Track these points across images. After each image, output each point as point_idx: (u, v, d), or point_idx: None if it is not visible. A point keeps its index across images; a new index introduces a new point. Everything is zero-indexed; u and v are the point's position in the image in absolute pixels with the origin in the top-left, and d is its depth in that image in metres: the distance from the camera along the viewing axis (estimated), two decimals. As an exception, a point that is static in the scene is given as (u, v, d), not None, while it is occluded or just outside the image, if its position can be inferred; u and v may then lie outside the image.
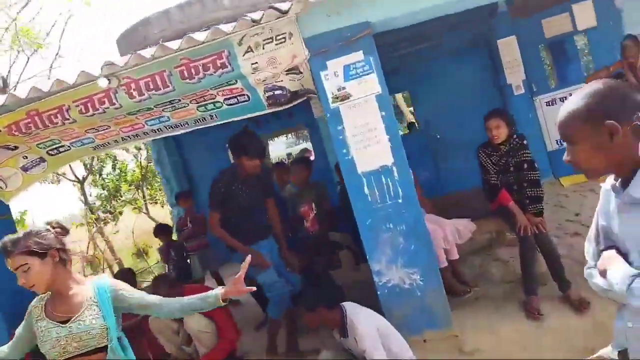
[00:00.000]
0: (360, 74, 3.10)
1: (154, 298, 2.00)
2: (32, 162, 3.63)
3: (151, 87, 3.06)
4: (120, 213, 13.26)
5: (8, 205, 3.65)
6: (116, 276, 3.54)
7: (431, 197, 5.48)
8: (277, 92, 3.28)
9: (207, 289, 3.68)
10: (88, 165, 12.81)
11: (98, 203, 13.36)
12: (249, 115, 3.44)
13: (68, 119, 3.15)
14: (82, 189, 13.01)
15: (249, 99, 3.30)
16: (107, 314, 1.85)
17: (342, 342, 2.92)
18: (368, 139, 3.13)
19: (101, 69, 2.79)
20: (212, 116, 3.47)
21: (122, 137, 3.63)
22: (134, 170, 12.74)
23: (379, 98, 3.12)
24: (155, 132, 3.60)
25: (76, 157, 3.89)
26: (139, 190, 12.94)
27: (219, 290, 1.95)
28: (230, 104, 3.37)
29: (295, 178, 4.34)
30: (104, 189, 13.00)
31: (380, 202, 3.19)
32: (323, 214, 4.28)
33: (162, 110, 3.36)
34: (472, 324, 3.36)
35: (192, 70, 3.03)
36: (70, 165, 12.72)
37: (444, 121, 6.40)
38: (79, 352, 1.81)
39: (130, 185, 13.18)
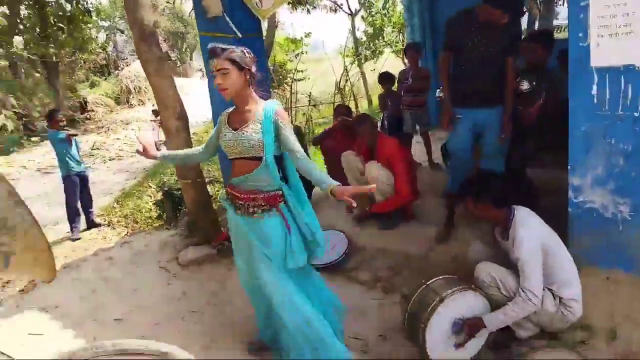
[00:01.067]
0: None
1: (298, 148, 2.19)
2: (281, -15, 4.08)
3: None
4: (381, 53, 13.91)
5: (260, 24, 4.29)
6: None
7: None
8: None
9: (398, 146, 3.82)
10: (362, 0, 13.40)
11: (364, 39, 14.19)
12: None
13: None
14: (353, 23, 13.93)
15: None
16: (266, 132, 2.17)
17: (501, 243, 2.77)
18: (618, 26, 2.39)
19: None
20: None
21: None
22: (400, 13, 12.73)
23: (657, -31, 2.25)
24: None
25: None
26: (401, 34, 13.09)
27: (333, 184, 2.04)
28: None
29: (528, 55, 3.63)
30: (370, 27, 13.61)
31: (608, 109, 2.55)
32: (548, 107, 3.61)
33: None
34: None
35: None
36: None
37: None
38: (242, 156, 2.24)
39: (394, 28, 13.42)
